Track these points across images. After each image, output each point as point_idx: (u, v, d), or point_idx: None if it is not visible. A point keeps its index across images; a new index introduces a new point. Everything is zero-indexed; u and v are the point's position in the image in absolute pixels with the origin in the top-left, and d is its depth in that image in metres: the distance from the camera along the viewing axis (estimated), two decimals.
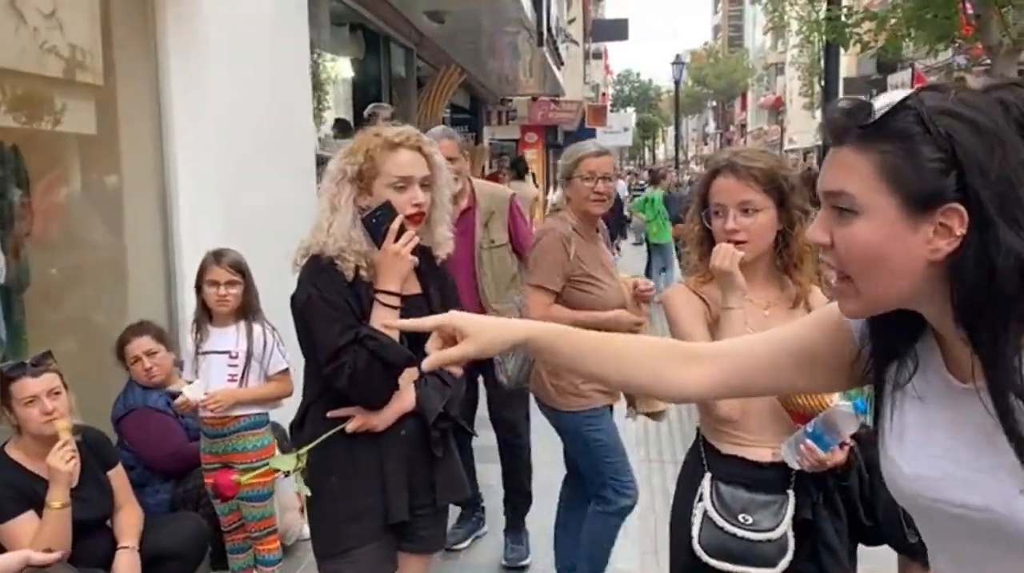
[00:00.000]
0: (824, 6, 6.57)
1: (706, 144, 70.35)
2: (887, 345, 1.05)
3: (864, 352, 1.08)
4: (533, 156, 19.31)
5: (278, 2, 4.59)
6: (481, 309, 3.55)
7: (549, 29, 10.41)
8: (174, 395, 3.08)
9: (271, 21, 4.50)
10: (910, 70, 19.32)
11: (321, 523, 2.02)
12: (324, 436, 1.93)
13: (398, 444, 2.00)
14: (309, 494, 1.96)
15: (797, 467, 1.81)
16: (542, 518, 3.96)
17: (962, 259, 0.91)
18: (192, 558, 2.96)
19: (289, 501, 3.61)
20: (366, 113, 6.03)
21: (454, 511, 3.98)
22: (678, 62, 25.16)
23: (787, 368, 1.19)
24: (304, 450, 1.92)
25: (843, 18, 5.73)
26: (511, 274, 3.71)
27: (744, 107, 60.68)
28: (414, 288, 2.07)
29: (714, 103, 64.25)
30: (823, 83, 8.89)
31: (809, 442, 1.76)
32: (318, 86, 7.00)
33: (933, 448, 1.01)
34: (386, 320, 1.92)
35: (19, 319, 3.59)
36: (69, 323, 3.96)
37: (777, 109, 50.37)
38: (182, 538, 2.93)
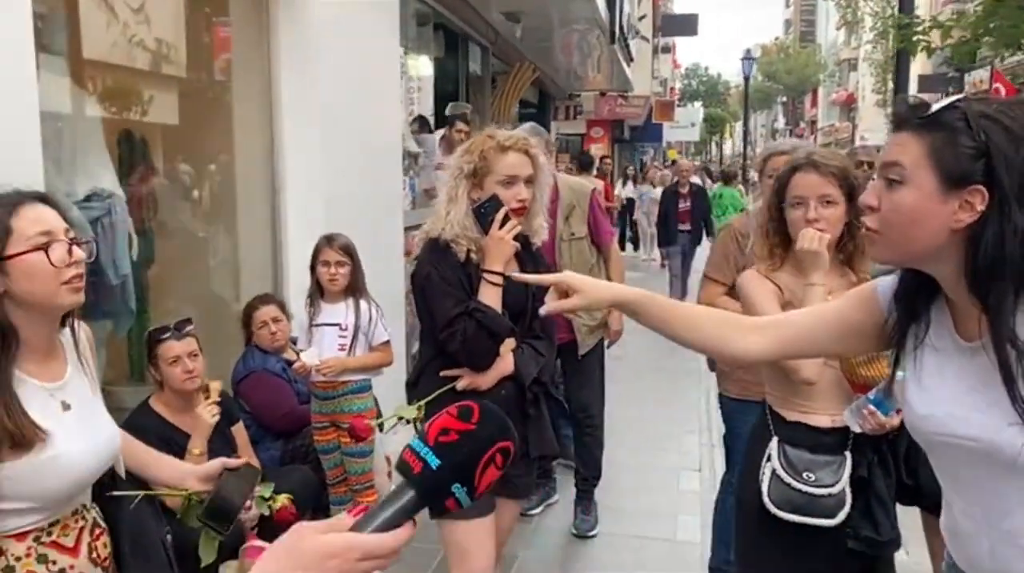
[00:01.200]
0: (897, 4, 6.69)
1: (775, 140, 69.25)
2: (909, 307, 1.34)
3: (890, 318, 1.38)
4: (600, 151, 19.50)
5: (374, 4, 4.95)
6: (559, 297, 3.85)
7: (621, 27, 10.63)
8: (290, 362, 3.47)
9: (368, 24, 4.85)
10: (989, 68, 18.92)
11: None
12: (438, 392, 2.27)
13: (498, 402, 2.30)
14: None
15: (859, 430, 2.06)
16: (611, 493, 4.28)
17: (980, 231, 1.19)
18: (304, 504, 3.34)
19: (380, 465, 3.98)
20: (447, 112, 6.38)
21: None
22: (748, 57, 25.00)
23: (827, 336, 1.50)
24: (423, 402, 2.27)
25: (911, 26, 5.87)
26: (589, 265, 3.97)
27: (815, 103, 59.57)
28: (515, 269, 2.37)
29: (784, 99, 63.21)
30: (895, 83, 8.93)
31: (871, 407, 2.01)
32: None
33: (942, 392, 1.30)
34: (491, 296, 2.25)
35: (143, 293, 4.03)
36: (186, 298, 4.40)
37: (849, 106, 49.38)
38: (295, 486, 3.30)
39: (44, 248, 1.55)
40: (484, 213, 2.26)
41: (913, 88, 22.41)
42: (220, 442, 3.13)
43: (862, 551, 2.08)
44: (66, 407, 1.63)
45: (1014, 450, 1.19)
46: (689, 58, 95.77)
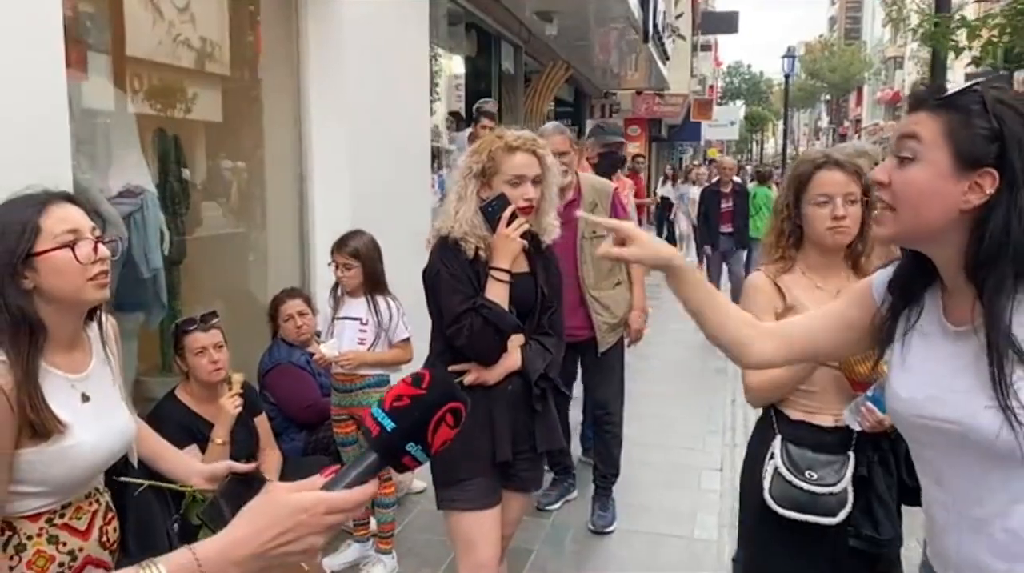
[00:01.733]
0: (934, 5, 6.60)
1: (817, 139, 68.21)
2: (906, 290, 1.36)
3: (883, 307, 1.40)
4: (636, 150, 19.44)
5: (402, 3, 5.02)
6: (580, 295, 3.89)
7: (655, 25, 10.59)
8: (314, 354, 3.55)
9: (396, 22, 4.93)
10: None
11: (440, 458, 2.40)
12: None
13: (505, 397, 2.37)
14: None
15: (858, 428, 2.08)
16: (631, 490, 4.30)
17: (988, 214, 1.21)
18: None
19: None
20: (474, 108, 6.47)
21: (547, 476, 4.36)
22: (789, 55, 24.72)
23: (826, 336, 1.53)
24: None
25: (940, 24, 5.81)
26: (610, 263, 4.01)
27: (859, 102, 58.57)
28: (524, 267, 2.43)
29: (827, 97, 62.23)
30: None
31: (869, 405, 2.02)
32: (433, 81, 7.47)
33: (925, 376, 1.32)
34: (498, 292, 2.30)
35: (175, 287, 4.15)
36: (217, 291, 4.51)
37: (894, 104, 48.46)
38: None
39: (71, 246, 1.63)
40: (491, 212, 2.31)
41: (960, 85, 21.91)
42: (243, 432, 3.21)
43: (863, 549, 2.09)
44: (85, 399, 1.70)
45: (992, 431, 1.21)
46: (733, 56, 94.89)
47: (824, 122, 67.87)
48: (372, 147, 4.56)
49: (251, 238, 4.70)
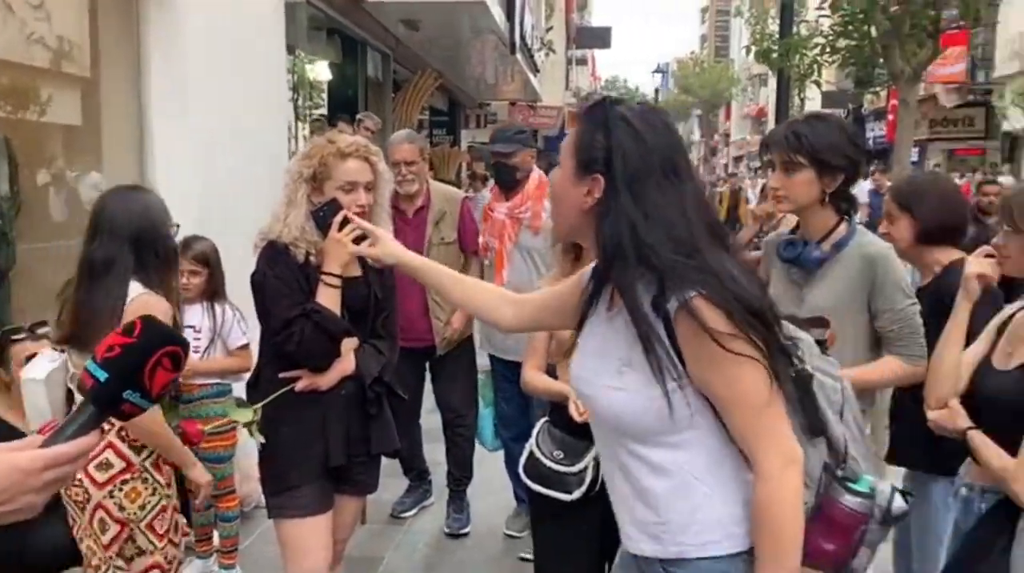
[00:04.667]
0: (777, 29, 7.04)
1: (690, 152, 70.72)
2: (596, 278, 1.52)
3: (584, 292, 1.56)
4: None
5: (254, 3, 4.92)
6: (424, 299, 3.90)
7: (523, 37, 10.76)
8: None
9: (248, 21, 4.82)
10: (886, 87, 19.95)
11: (270, 466, 2.38)
12: (276, 394, 2.28)
13: (339, 401, 2.35)
14: (263, 441, 2.32)
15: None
16: (482, 491, 4.33)
17: (601, 213, 1.39)
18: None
19: (250, 471, 3.95)
20: (356, 119, 6.43)
21: (403, 482, 4.34)
22: (659, 70, 25.64)
23: (555, 312, 1.73)
24: (259, 405, 2.28)
25: (768, 44, 6.25)
26: (458, 270, 4.03)
27: (728, 117, 61.24)
28: (356, 271, 2.41)
29: (699, 112, 64.80)
30: (802, 96, 9.28)
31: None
32: (297, 87, 7.36)
33: (587, 356, 1.51)
34: (329, 297, 2.29)
35: (5, 296, 3.92)
36: (49, 302, 4.27)
37: (760, 119, 50.91)
38: None
39: None
40: (323, 216, 2.29)
41: (817, 103, 23.35)
42: None
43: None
44: None
45: (608, 409, 1.42)
46: (611, 71, 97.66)
47: (696, 135, 70.65)
48: (221, 150, 4.44)
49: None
